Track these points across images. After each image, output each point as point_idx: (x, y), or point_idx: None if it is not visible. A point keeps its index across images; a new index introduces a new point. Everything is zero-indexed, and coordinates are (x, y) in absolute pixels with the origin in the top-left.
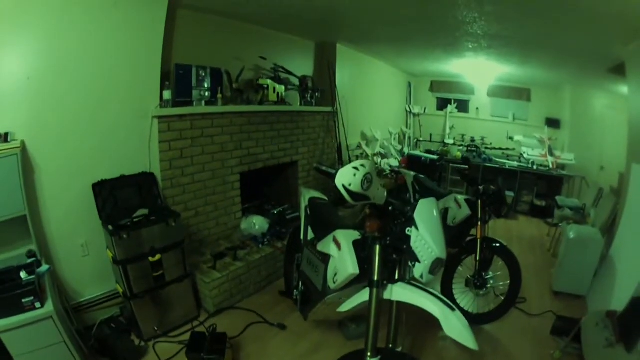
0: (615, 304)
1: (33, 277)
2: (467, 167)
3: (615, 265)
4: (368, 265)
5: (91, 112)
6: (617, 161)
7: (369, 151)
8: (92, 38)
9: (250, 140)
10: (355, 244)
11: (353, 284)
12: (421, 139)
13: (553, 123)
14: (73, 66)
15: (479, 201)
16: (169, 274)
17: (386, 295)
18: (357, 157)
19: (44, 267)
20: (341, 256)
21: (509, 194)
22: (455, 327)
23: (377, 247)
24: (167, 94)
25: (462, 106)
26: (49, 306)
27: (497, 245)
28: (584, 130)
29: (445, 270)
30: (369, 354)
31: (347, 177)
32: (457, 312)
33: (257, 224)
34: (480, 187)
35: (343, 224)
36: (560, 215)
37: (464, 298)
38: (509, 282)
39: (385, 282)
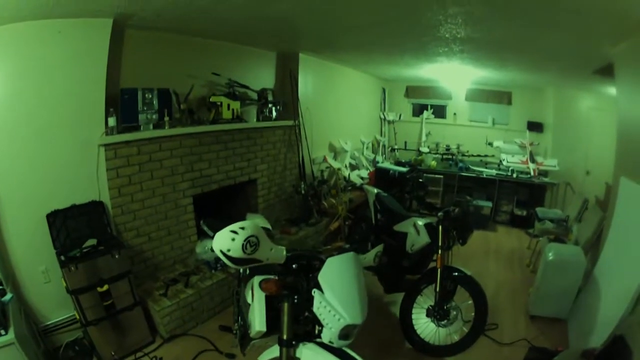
0: (599, 330)
1: None
2: (424, 191)
3: (599, 286)
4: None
5: (40, 143)
6: (603, 165)
7: (334, 164)
8: (37, 68)
9: (202, 161)
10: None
11: (275, 334)
12: (396, 146)
13: (535, 127)
14: (19, 98)
15: (440, 227)
16: (119, 302)
17: (298, 354)
18: (322, 172)
19: (7, 297)
20: (253, 310)
21: (486, 204)
22: None
23: (285, 304)
24: (111, 121)
25: (439, 112)
26: (11, 333)
27: (460, 274)
28: (569, 133)
29: (404, 298)
30: None
31: (224, 243)
32: None
33: (210, 247)
34: (440, 214)
35: (266, 267)
36: (541, 228)
37: (426, 328)
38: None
39: (294, 341)
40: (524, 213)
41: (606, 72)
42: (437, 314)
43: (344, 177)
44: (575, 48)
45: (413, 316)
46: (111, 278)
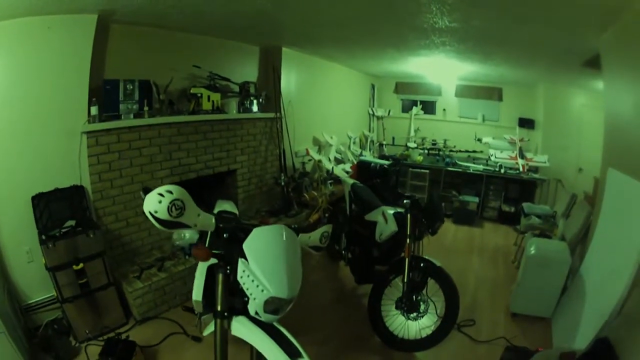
0: (585, 331)
1: None
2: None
3: (585, 285)
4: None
5: (27, 131)
6: (596, 162)
7: (315, 156)
8: (28, 62)
9: (181, 150)
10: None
11: None
12: (384, 142)
13: (526, 123)
14: (9, 90)
15: (408, 216)
16: (93, 281)
17: (230, 327)
18: (304, 164)
19: None
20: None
21: (473, 199)
22: None
23: (220, 275)
24: (94, 110)
25: (429, 108)
26: None
27: (428, 265)
28: (560, 130)
29: (372, 290)
30: None
31: (152, 204)
32: (303, 359)
33: (187, 234)
34: (407, 201)
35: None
36: (526, 223)
37: (398, 322)
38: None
39: (231, 311)
40: (512, 209)
41: (595, 64)
42: (405, 305)
43: (327, 170)
44: (559, 39)
45: (384, 309)
46: (86, 257)
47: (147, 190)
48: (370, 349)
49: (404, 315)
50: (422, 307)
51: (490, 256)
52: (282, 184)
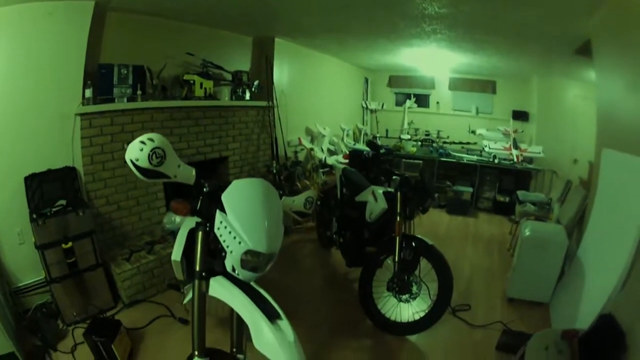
0: (584, 314)
1: None
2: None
3: (583, 267)
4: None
5: (21, 112)
6: (591, 154)
7: (308, 145)
8: (28, 47)
9: (173, 135)
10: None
11: None
12: (378, 134)
13: (521, 116)
14: (8, 73)
15: (398, 194)
16: (82, 261)
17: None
18: (296, 153)
19: None
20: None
21: (467, 189)
22: (266, 340)
23: (200, 234)
24: (88, 92)
25: (422, 101)
26: None
27: (420, 244)
28: (555, 122)
29: (363, 271)
30: (195, 352)
31: (134, 152)
32: (283, 321)
33: (177, 219)
34: (396, 177)
35: None
36: (521, 210)
37: (387, 302)
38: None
39: (209, 273)
40: (507, 199)
41: (587, 52)
42: (397, 285)
43: (319, 159)
44: (548, 25)
45: (376, 292)
46: (75, 236)
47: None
48: (361, 333)
49: (395, 296)
50: (415, 288)
51: (485, 245)
52: (275, 171)
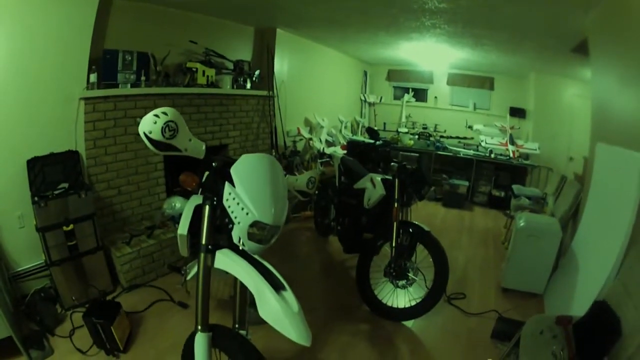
0: (578, 305)
1: None
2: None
3: (577, 259)
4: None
5: (26, 95)
6: (586, 151)
7: (306, 135)
8: (32, 27)
9: None
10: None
11: None
12: (375, 127)
13: (518, 112)
14: (14, 56)
15: (396, 180)
16: (82, 244)
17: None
18: (295, 142)
19: None
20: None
21: (463, 182)
22: (272, 309)
23: (206, 207)
24: (92, 77)
25: (420, 95)
26: None
27: (417, 230)
28: (551, 120)
29: (360, 257)
30: (198, 327)
31: (147, 125)
32: (287, 292)
33: (177, 204)
34: (394, 164)
35: None
36: (516, 204)
37: (384, 289)
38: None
39: (215, 247)
40: (502, 194)
41: (583, 50)
42: (394, 270)
43: (318, 150)
44: (545, 20)
45: (373, 278)
46: (76, 218)
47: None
48: (358, 318)
49: (392, 282)
50: (411, 274)
51: (480, 237)
52: None
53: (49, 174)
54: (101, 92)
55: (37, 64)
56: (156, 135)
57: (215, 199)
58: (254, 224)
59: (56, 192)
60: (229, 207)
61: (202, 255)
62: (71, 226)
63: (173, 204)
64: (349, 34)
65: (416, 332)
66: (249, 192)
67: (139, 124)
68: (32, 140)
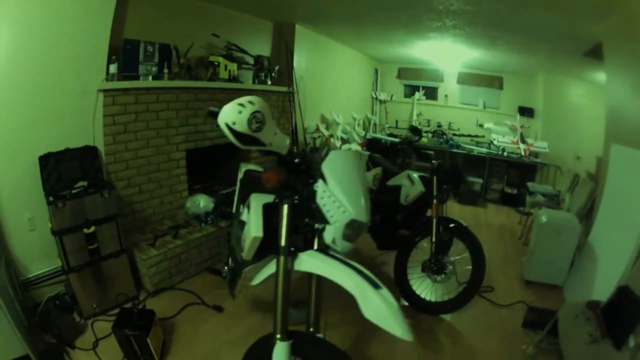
0: (597, 295)
1: None
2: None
3: (594, 252)
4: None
5: (39, 85)
6: (594, 151)
7: (326, 132)
8: (49, 15)
9: (197, 117)
10: (268, 208)
11: (270, 254)
12: (387, 125)
13: (526, 112)
14: (29, 45)
15: (434, 178)
16: (104, 247)
17: (296, 266)
18: (314, 139)
19: None
20: (249, 220)
21: (477, 180)
22: (376, 308)
23: (285, 207)
24: (112, 68)
25: (431, 93)
26: None
27: (456, 225)
28: (559, 119)
29: (398, 253)
30: (278, 336)
31: (230, 115)
32: (384, 290)
33: (202, 202)
34: (434, 162)
35: (263, 189)
36: (532, 201)
37: (421, 285)
38: (470, 267)
39: (293, 249)
40: (515, 191)
41: (596, 54)
42: (434, 265)
43: (335, 147)
44: (562, 24)
45: (409, 273)
46: (98, 220)
47: (213, 113)
48: None
49: (430, 277)
50: (449, 268)
51: (497, 233)
52: None
53: (65, 172)
54: (122, 84)
55: (51, 52)
56: (241, 127)
57: (296, 198)
58: (349, 223)
59: (74, 191)
60: (324, 205)
61: (281, 258)
62: (93, 228)
63: (197, 202)
64: (366, 31)
65: (454, 324)
66: (344, 188)
67: (212, 112)
68: (44, 135)
